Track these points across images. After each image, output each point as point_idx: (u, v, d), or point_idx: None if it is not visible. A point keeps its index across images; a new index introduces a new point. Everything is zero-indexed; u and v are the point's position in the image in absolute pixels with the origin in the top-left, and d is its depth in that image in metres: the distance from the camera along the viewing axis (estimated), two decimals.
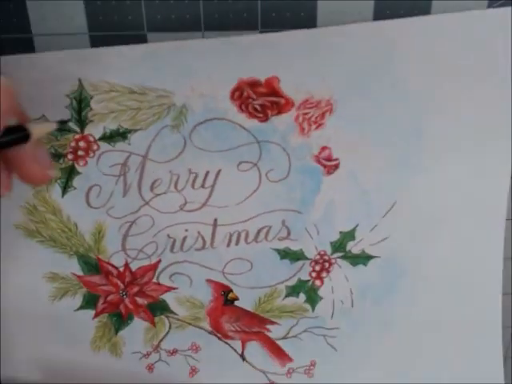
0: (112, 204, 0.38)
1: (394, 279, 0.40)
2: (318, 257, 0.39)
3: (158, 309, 0.41)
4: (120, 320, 0.41)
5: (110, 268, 0.39)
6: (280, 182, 0.37)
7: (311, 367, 0.43)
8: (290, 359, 0.43)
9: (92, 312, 0.41)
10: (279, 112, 0.36)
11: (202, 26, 0.35)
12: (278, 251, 0.39)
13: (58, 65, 0.34)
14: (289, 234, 0.39)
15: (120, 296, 0.40)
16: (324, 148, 0.37)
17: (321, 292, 0.40)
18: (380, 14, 0.35)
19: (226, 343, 0.42)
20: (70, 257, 0.39)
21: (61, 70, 0.34)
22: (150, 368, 0.43)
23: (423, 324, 0.42)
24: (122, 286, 0.40)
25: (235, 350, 0.42)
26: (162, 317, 0.41)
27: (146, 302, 0.41)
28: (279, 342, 0.42)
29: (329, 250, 0.39)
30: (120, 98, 0.35)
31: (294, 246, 0.39)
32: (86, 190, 0.37)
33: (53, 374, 0.42)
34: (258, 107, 0.36)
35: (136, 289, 0.40)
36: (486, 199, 0.39)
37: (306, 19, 0.35)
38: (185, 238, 0.38)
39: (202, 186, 0.37)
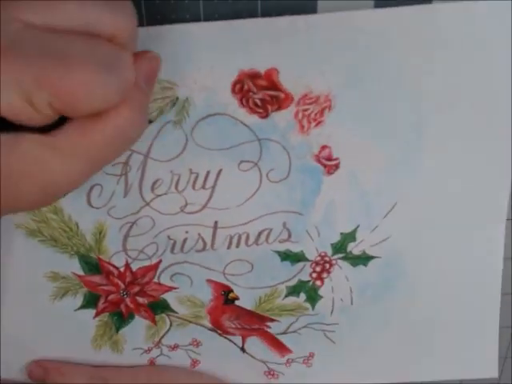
0: (113, 204, 0.38)
1: (394, 278, 0.40)
2: (318, 258, 0.39)
3: (158, 308, 0.41)
4: (121, 319, 0.41)
5: (111, 268, 0.39)
6: (280, 182, 0.37)
7: (310, 358, 0.43)
8: (290, 351, 0.43)
9: (93, 311, 0.41)
10: (279, 107, 0.36)
11: None
12: (279, 253, 0.39)
13: None
14: (290, 236, 0.39)
15: (121, 296, 0.41)
16: (324, 147, 0.37)
17: (321, 292, 0.41)
18: None
19: (227, 338, 0.42)
20: (70, 256, 0.39)
21: None
22: (152, 362, 0.43)
23: (422, 322, 0.42)
24: (122, 285, 0.40)
25: (235, 344, 0.43)
26: (163, 315, 0.41)
27: (146, 302, 0.41)
28: (279, 337, 0.42)
29: (329, 252, 0.39)
30: None
31: (295, 248, 0.39)
32: (88, 189, 0.37)
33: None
34: (258, 102, 0.35)
35: (137, 288, 0.40)
36: (486, 199, 0.39)
37: None
38: (185, 240, 0.38)
39: (203, 186, 0.37)
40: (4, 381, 0.43)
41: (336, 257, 0.39)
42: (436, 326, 0.42)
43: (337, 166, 0.37)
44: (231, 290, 0.40)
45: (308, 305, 0.41)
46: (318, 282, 0.40)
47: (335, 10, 0.34)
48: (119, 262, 0.39)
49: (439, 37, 0.34)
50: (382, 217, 0.38)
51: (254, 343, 0.43)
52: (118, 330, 0.42)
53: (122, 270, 0.40)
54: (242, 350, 0.43)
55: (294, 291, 0.40)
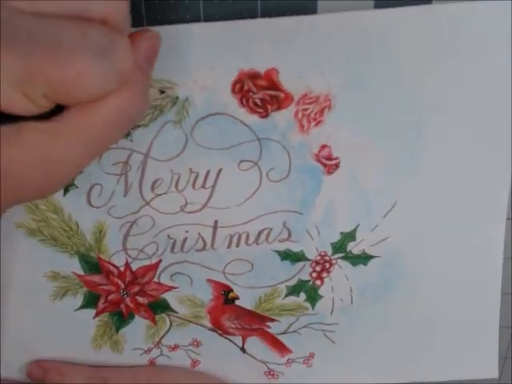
0: (113, 203, 0.38)
1: (394, 278, 0.40)
2: (318, 257, 0.39)
3: (158, 307, 0.41)
4: (121, 319, 0.41)
5: (111, 267, 0.40)
6: (280, 181, 0.37)
7: (310, 358, 0.43)
8: (290, 351, 0.43)
9: (93, 311, 0.41)
10: (279, 107, 0.36)
11: None
12: (279, 253, 0.39)
13: None
14: (290, 235, 0.39)
15: (121, 295, 0.41)
16: (324, 146, 0.37)
17: (321, 291, 0.41)
18: None
19: (227, 338, 0.42)
20: (70, 256, 0.39)
21: None
22: (152, 362, 0.43)
23: (422, 322, 0.42)
24: (122, 285, 0.40)
25: (236, 344, 0.43)
26: (163, 315, 0.41)
27: (146, 301, 0.41)
28: (279, 337, 0.42)
29: (329, 251, 0.39)
30: None
31: (295, 248, 0.39)
32: (88, 188, 0.37)
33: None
34: (258, 101, 0.35)
35: (137, 288, 0.40)
36: (486, 199, 0.39)
37: None
38: (185, 239, 0.38)
39: (203, 186, 0.37)
40: (4, 380, 0.43)
41: (336, 256, 0.39)
42: (436, 326, 0.42)
43: (337, 166, 0.37)
44: (231, 290, 0.40)
45: (308, 304, 0.41)
46: (318, 282, 0.40)
47: (335, 10, 0.34)
48: (119, 261, 0.39)
49: (439, 37, 0.34)
50: (381, 216, 0.38)
51: (254, 343, 0.43)
52: (117, 330, 0.42)
53: (122, 269, 0.40)
54: (242, 350, 0.43)
55: (294, 291, 0.40)
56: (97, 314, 0.41)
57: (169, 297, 0.41)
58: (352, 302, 0.41)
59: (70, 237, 0.39)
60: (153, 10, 0.34)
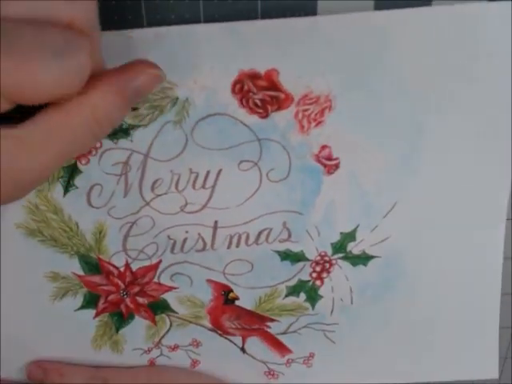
0: (113, 204, 0.38)
1: (394, 278, 0.40)
2: (318, 258, 0.39)
3: (158, 308, 0.41)
4: (121, 319, 0.41)
5: (111, 268, 0.39)
6: (280, 182, 0.37)
7: (310, 358, 0.43)
8: (290, 351, 0.43)
9: (93, 311, 0.41)
10: (279, 108, 0.36)
11: None
12: (279, 253, 0.39)
13: None
14: (290, 235, 0.39)
15: (121, 296, 0.41)
16: (324, 147, 0.37)
17: (321, 291, 0.41)
18: None
19: (227, 338, 0.42)
20: (70, 256, 0.39)
21: None
22: (152, 362, 0.43)
23: (422, 322, 0.42)
24: (122, 285, 0.40)
25: (236, 344, 0.43)
26: (163, 315, 0.41)
27: (146, 302, 0.41)
28: (279, 337, 0.42)
29: (329, 251, 0.39)
30: None
31: (295, 248, 0.39)
32: (88, 189, 0.37)
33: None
34: (258, 102, 0.35)
35: (137, 289, 0.40)
36: (487, 199, 0.39)
37: None
38: (185, 240, 0.38)
39: (203, 186, 0.37)
40: (4, 381, 0.43)
41: (336, 256, 0.39)
42: (436, 326, 0.42)
43: (337, 166, 0.37)
44: (231, 290, 0.40)
45: (308, 305, 0.41)
46: (318, 282, 0.40)
47: (335, 11, 0.34)
48: (119, 261, 0.39)
49: (439, 38, 0.34)
50: (381, 217, 0.38)
51: (254, 343, 0.43)
52: (118, 330, 0.42)
53: (122, 269, 0.40)
54: (242, 350, 0.43)
55: (294, 291, 0.40)
56: (97, 315, 0.41)
57: (169, 297, 0.41)
58: (352, 302, 0.41)
59: (70, 237, 0.39)
60: (153, 9, 0.34)
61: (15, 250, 0.39)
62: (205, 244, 0.39)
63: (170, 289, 0.40)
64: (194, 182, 0.37)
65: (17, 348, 0.42)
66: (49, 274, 0.40)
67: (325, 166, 0.37)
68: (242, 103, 0.35)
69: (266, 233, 0.38)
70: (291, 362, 0.43)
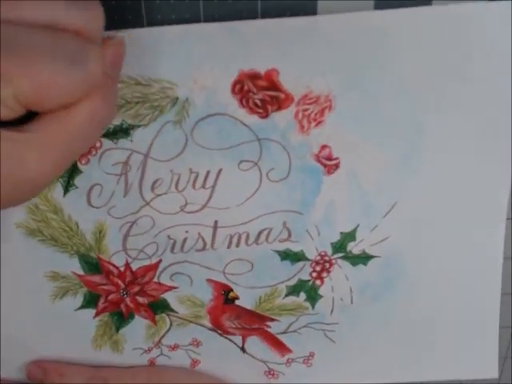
0: (113, 204, 0.38)
1: (394, 278, 0.40)
2: (318, 257, 0.39)
3: (158, 307, 0.41)
4: (121, 319, 0.41)
5: (111, 268, 0.39)
6: (280, 182, 0.37)
7: (310, 357, 0.43)
8: (290, 350, 0.43)
9: (93, 311, 0.41)
10: (279, 108, 0.36)
11: None
12: (279, 253, 0.39)
13: None
14: (290, 235, 0.39)
15: (121, 295, 0.41)
16: (324, 147, 0.37)
17: (321, 291, 0.41)
18: None
19: (227, 338, 0.42)
20: (70, 256, 0.39)
21: None
22: (152, 362, 0.43)
23: (422, 322, 0.42)
24: (122, 285, 0.40)
25: (236, 344, 0.43)
26: (163, 315, 0.41)
27: (146, 301, 0.41)
28: (279, 337, 0.42)
29: (329, 251, 0.39)
30: (125, 91, 0.35)
31: (295, 248, 0.39)
32: (88, 189, 0.37)
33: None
34: (258, 102, 0.35)
35: (137, 288, 0.40)
36: (487, 199, 0.39)
37: None
38: (185, 240, 0.38)
39: (203, 186, 0.37)
40: (4, 380, 0.43)
41: (336, 256, 0.39)
42: (436, 326, 0.42)
43: (337, 166, 0.37)
44: (231, 290, 0.40)
45: (308, 304, 0.41)
46: (318, 282, 0.40)
47: (335, 11, 0.34)
48: (119, 261, 0.39)
49: (439, 38, 0.34)
50: (381, 216, 0.38)
51: (254, 343, 0.43)
52: (118, 329, 0.42)
53: (122, 269, 0.40)
54: (242, 349, 0.43)
55: (294, 291, 0.40)
56: (97, 314, 0.41)
57: (169, 297, 0.41)
58: (352, 302, 0.41)
59: (70, 237, 0.39)
60: (153, 9, 0.34)
61: (15, 249, 0.39)
62: (205, 244, 0.39)
63: (170, 288, 0.40)
64: (194, 181, 0.37)
65: (17, 348, 0.42)
66: (49, 274, 0.40)
67: (325, 165, 0.37)
68: (241, 103, 0.35)
69: (266, 232, 0.38)
70: (291, 362, 0.43)
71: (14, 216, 0.38)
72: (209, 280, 0.40)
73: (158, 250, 0.39)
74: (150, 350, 0.43)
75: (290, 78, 0.35)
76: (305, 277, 0.40)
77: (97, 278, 0.40)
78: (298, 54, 0.34)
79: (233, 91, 0.35)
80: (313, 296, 0.41)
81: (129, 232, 0.38)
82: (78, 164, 0.37)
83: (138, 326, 0.42)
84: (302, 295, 0.41)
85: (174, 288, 0.40)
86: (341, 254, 0.39)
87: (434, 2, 0.35)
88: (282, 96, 0.35)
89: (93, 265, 0.39)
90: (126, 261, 0.39)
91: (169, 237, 0.38)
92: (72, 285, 0.40)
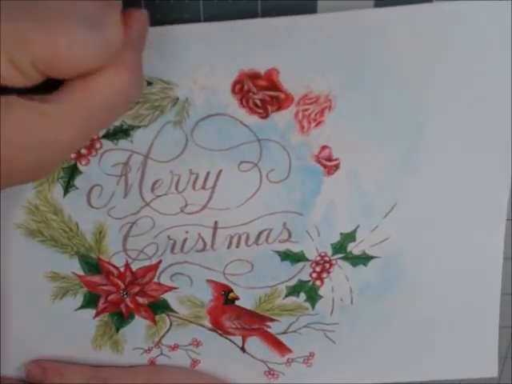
0: (113, 204, 0.38)
1: (394, 278, 0.40)
2: (318, 258, 0.39)
3: (158, 308, 0.41)
4: (121, 319, 0.41)
5: (111, 268, 0.39)
6: (280, 182, 0.37)
7: (310, 357, 0.43)
8: (290, 351, 0.43)
9: (93, 311, 0.41)
10: (279, 108, 0.36)
11: None
12: (279, 253, 0.39)
13: None
14: (290, 236, 0.39)
15: (121, 296, 0.41)
16: (324, 147, 0.37)
17: (321, 291, 0.41)
18: None
19: (227, 338, 0.42)
20: (70, 257, 0.39)
21: None
22: (152, 362, 0.43)
23: (422, 322, 0.42)
24: (122, 285, 0.40)
25: (236, 344, 0.43)
26: (163, 315, 0.41)
27: (146, 302, 0.41)
28: (279, 337, 0.42)
29: (329, 252, 0.39)
30: None
31: (295, 248, 0.39)
32: (88, 189, 0.37)
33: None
34: (258, 102, 0.35)
35: (137, 289, 0.40)
36: (487, 199, 0.39)
37: None
38: (185, 240, 0.38)
39: (203, 187, 0.37)
40: (4, 381, 0.43)
41: (336, 257, 0.39)
42: (436, 325, 0.42)
43: (337, 167, 0.37)
44: (231, 290, 0.40)
45: (308, 305, 0.41)
46: (318, 282, 0.40)
47: (335, 10, 0.34)
48: (119, 262, 0.39)
49: (439, 36, 0.34)
50: (381, 217, 0.38)
51: (254, 343, 0.43)
52: (118, 329, 0.42)
53: (121, 269, 0.40)
54: (242, 349, 0.43)
55: (294, 291, 0.40)
56: (97, 314, 0.41)
57: (169, 297, 0.41)
58: (352, 302, 0.41)
59: (70, 237, 0.39)
60: (153, 10, 0.34)
61: (15, 250, 0.39)
62: (205, 244, 0.39)
63: (170, 289, 0.40)
64: (194, 182, 0.37)
65: (17, 348, 0.42)
66: (49, 274, 0.40)
67: (325, 166, 0.37)
68: (241, 103, 0.35)
69: (266, 233, 0.38)
70: (291, 362, 0.43)
71: (14, 216, 0.38)
72: (209, 280, 0.40)
73: (158, 251, 0.39)
74: (150, 349, 0.43)
75: (289, 77, 0.35)
76: (305, 277, 0.40)
77: (97, 279, 0.40)
78: (297, 53, 0.34)
79: (233, 91, 0.35)
80: (313, 296, 0.41)
81: (129, 232, 0.38)
82: (78, 165, 0.37)
83: (138, 326, 0.42)
84: (302, 295, 0.41)
85: (174, 288, 0.40)
86: (341, 255, 0.39)
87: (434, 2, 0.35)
88: (282, 96, 0.35)
89: (93, 265, 0.39)
90: (126, 261, 0.39)
91: (169, 237, 0.38)
92: (72, 285, 0.40)
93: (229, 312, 0.41)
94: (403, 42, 0.34)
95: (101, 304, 0.41)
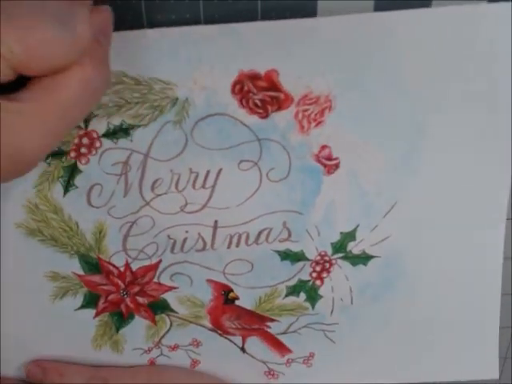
0: (113, 204, 0.38)
1: (394, 278, 0.40)
2: (318, 257, 0.39)
3: (158, 308, 0.41)
4: (121, 319, 0.41)
5: (111, 268, 0.39)
6: (280, 182, 0.37)
7: (310, 357, 0.43)
8: (290, 351, 0.43)
9: (93, 311, 0.41)
10: (279, 108, 0.36)
11: None
12: (279, 253, 0.39)
13: None
14: (290, 235, 0.39)
15: (121, 295, 0.41)
16: (324, 147, 0.37)
17: (321, 291, 0.41)
18: None
19: (227, 338, 0.42)
20: (70, 256, 0.39)
21: None
22: (152, 362, 0.43)
23: (422, 322, 0.42)
24: (122, 285, 0.40)
25: (236, 344, 0.43)
26: (163, 315, 0.41)
27: (146, 301, 0.41)
28: (279, 337, 0.42)
29: (329, 251, 0.39)
30: (125, 91, 0.35)
31: (295, 248, 0.39)
32: (88, 189, 0.37)
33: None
34: (258, 102, 0.35)
35: (137, 288, 0.40)
36: (487, 199, 0.39)
37: None
38: (185, 240, 0.38)
39: (203, 186, 0.37)
40: (4, 381, 0.43)
41: (336, 256, 0.39)
42: (436, 325, 0.42)
43: (337, 166, 0.37)
44: (231, 290, 0.40)
45: (308, 304, 0.41)
46: (318, 282, 0.40)
47: (335, 11, 0.34)
48: (119, 261, 0.39)
49: (439, 39, 0.34)
50: (381, 216, 0.38)
51: (254, 343, 0.43)
52: (118, 329, 0.42)
53: (121, 269, 0.40)
54: (242, 350, 0.43)
55: (293, 291, 0.40)
56: (97, 314, 0.41)
57: (169, 297, 0.41)
58: (352, 302, 0.41)
59: (70, 237, 0.39)
60: (153, 9, 0.34)
61: (15, 249, 0.39)
62: (205, 244, 0.39)
63: (170, 289, 0.40)
64: (194, 181, 0.37)
65: (17, 348, 0.42)
66: (49, 274, 0.40)
67: (325, 166, 0.37)
68: (241, 103, 0.35)
69: (266, 233, 0.38)
70: (291, 362, 0.43)
71: (14, 216, 0.38)
72: (209, 280, 0.40)
73: (158, 250, 0.39)
74: (150, 350, 0.43)
75: (289, 78, 0.35)
76: (305, 277, 0.40)
77: (97, 278, 0.40)
78: (298, 54, 0.34)
79: (233, 91, 0.35)
80: (313, 296, 0.41)
81: (129, 232, 0.38)
82: (78, 164, 0.37)
83: (138, 326, 0.42)
84: (302, 295, 0.41)
85: (174, 288, 0.40)
86: (341, 254, 0.39)
87: (433, 2, 0.35)
88: (282, 96, 0.35)
89: (93, 265, 0.39)
90: (126, 261, 0.39)
91: (169, 237, 0.38)
92: (72, 285, 0.40)
93: (229, 312, 0.41)
94: (403, 45, 0.34)
95: (101, 304, 0.41)
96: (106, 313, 0.41)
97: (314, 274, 0.40)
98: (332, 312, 0.41)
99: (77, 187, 0.37)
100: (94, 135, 0.36)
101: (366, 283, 0.40)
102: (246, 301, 0.41)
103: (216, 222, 0.38)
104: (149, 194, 0.37)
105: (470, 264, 0.40)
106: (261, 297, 0.40)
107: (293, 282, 0.40)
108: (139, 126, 0.36)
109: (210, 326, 0.42)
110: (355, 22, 0.34)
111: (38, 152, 0.28)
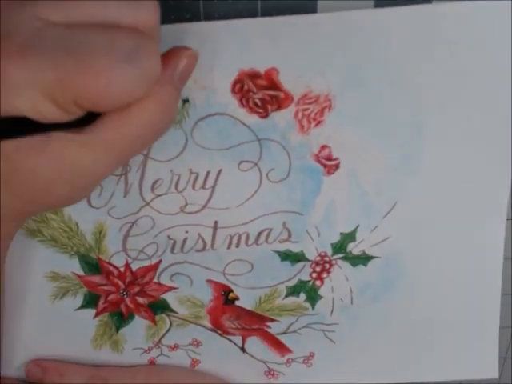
0: (113, 204, 0.38)
1: (394, 278, 0.40)
2: (318, 258, 0.39)
3: (158, 308, 0.41)
4: (121, 319, 0.41)
5: (111, 268, 0.39)
6: (280, 182, 0.37)
7: (310, 357, 0.43)
8: (290, 351, 0.43)
9: (93, 311, 0.41)
10: (279, 107, 0.36)
11: None
12: (279, 253, 0.39)
13: None
14: (290, 236, 0.39)
15: (121, 296, 0.41)
16: (324, 147, 0.37)
17: (321, 291, 0.41)
18: None
19: (227, 338, 0.42)
20: (70, 256, 0.39)
21: None
22: (152, 362, 0.43)
23: (422, 322, 0.42)
24: (122, 285, 0.40)
25: (236, 344, 0.43)
26: (163, 315, 0.41)
27: (146, 302, 0.41)
28: (279, 337, 0.42)
29: (329, 252, 0.39)
30: None
31: (295, 248, 0.39)
32: None
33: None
34: (258, 101, 0.35)
35: (137, 289, 0.40)
36: (487, 199, 0.39)
37: None
38: (185, 240, 0.38)
39: (203, 186, 0.37)
40: (4, 380, 0.43)
41: (336, 257, 0.39)
42: (436, 325, 0.42)
43: (337, 166, 0.37)
44: (231, 290, 0.40)
45: (308, 305, 0.41)
46: (318, 282, 0.40)
47: (335, 10, 0.34)
48: (119, 261, 0.39)
49: (439, 37, 0.34)
50: (381, 217, 0.38)
51: (254, 343, 0.43)
52: (118, 329, 0.42)
53: (121, 269, 0.40)
54: (242, 349, 0.43)
55: (294, 291, 0.40)
56: (97, 314, 0.41)
57: (169, 297, 0.41)
58: (352, 302, 0.41)
59: (70, 237, 0.39)
60: None
61: (15, 249, 0.39)
62: (205, 244, 0.39)
63: (170, 289, 0.40)
64: (194, 182, 0.37)
65: (17, 348, 0.42)
66: (49, 274, 0.40)
67: (325, 166, 0.37)
68: (241, 103, 0.35)
69: (265, 233, 0.38)
70: (291, 362, 0.43)
71: None
72: (209, 280, 0.40)
73: (157, 251, 0.39)
74: (149, 349, 0.43)
75: (289, 77, 0.35)
76: (305, 277, 0.40)
77: (97, 279, 0.40)
78: (297, 53, 0.34)
79: (233, 91, 0.35)
80: (313, 296, 0.41)
81: (129, 232, 0.38)
82: None
83: (138, 326, 0.42)
84: (302, 296, 0.41)
85: (174, 288, 0.40)
86: (341, 255, 0.39)
87: (434, 0, 0.35)
88: (282, 95, 0.35)
89: (93, 265, 0.39)
90: (126, 261, 0.39)
91: (169, 237, 0.38)
92: (72, 285, 0.40)
93: (229, 312, 0.41)
94: (403, 43, 0.34)
95: (101, 304, 0.41)
96: (105, 313, 0.41)
97: (314, 275, 0.40)
98: (332, 312, 0.41)
99: None
100: None
101: (366, 283, 0.40)
102: (245, 301, 0.41)
103: (216, 222, 0.38)
104: (149, 195, 0.37)
105: (470, 264, 0.40)
106: (261, 297, 0.40)
107: (293, 283, 0.40)
108: None
109: (209, 326, 0.42)
110: (355, 18, 0.33)
111: (95, 182, 0.29)
